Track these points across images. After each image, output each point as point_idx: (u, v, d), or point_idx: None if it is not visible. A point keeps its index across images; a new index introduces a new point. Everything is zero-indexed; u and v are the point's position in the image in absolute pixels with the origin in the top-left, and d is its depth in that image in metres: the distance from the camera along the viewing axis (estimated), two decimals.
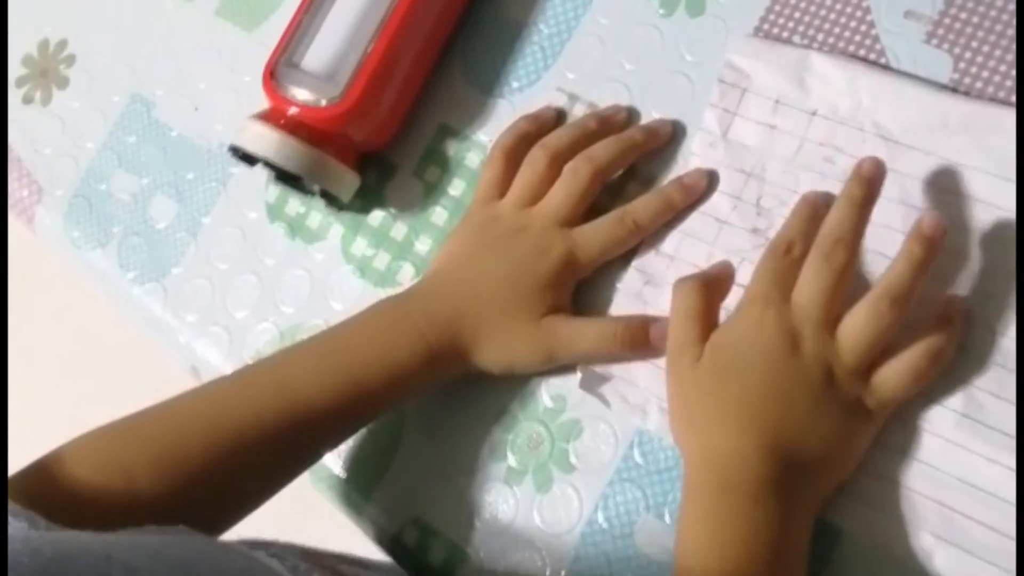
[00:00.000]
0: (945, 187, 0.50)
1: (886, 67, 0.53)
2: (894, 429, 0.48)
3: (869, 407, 0.47)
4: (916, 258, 0.45)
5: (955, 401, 0.47)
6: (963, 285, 0.49)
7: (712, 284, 0.51)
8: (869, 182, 0.48)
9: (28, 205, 0.74)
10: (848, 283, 0.47)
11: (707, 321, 0.49)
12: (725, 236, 0.54)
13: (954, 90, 0.51)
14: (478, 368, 0.55)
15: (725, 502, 0.46)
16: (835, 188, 0.52)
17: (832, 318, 0.47)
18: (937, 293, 0.48)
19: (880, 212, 0.48)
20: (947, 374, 0.47)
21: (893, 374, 0.46)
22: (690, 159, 0.56)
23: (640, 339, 0.53)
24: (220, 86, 0.71)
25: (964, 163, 0.50)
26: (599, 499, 0.53)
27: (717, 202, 0.55)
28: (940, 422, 0.47)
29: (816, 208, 0.49)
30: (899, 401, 0.47)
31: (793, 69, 0.54)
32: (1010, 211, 0.49)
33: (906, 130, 0.51)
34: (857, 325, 0.46)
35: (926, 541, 0.46)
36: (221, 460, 0.52)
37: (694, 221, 0.55)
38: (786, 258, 0.48)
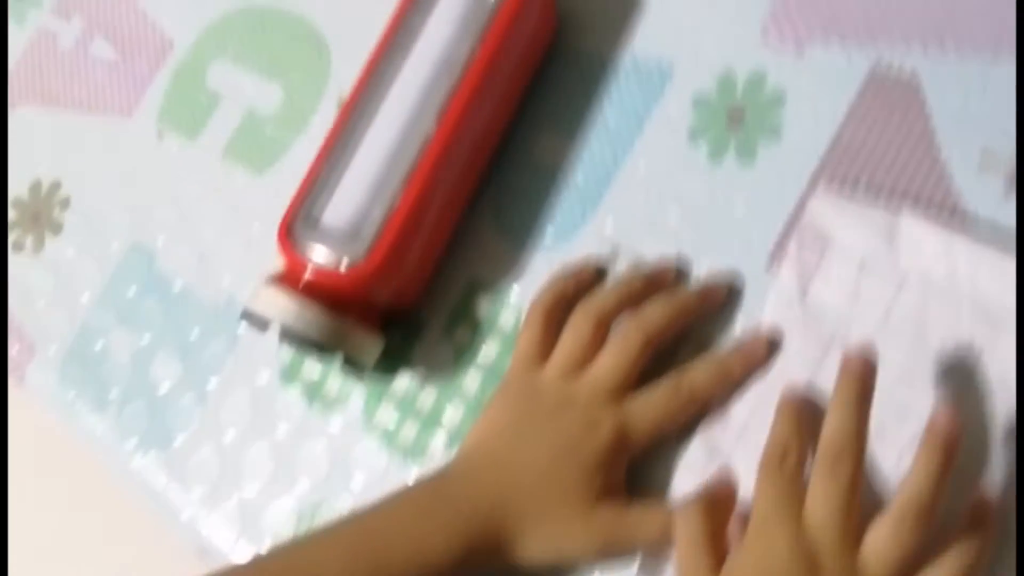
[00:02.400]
0: None
1: (987, 235, 0.48)
2: None
3: None
4: (935, 466, 0.42)
5: None
6: None
7: (715, 504, 0.47)
8: (861, 379, 0.44)
9: (19, 363, 0.69)
10: (859, 489, 0.43)
11: (716, 550, 0.46)
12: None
13: None
14: (519, 563, 0.50)
15: None
16: (927, 366, 0.47)
17: (852, 534, 0.43)
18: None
19: (982, 400, 0.42)
20: None
21: None
22: (763, 319, 0.51)
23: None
24: (228, 234, 0.66)
25: None
26: None
27: (793, 371, 0.49)
28: None
29: (799, 407, 0.46)
30: None
31: (880, 228, 0.49)
32: None
33: (1009, 308, 0.46)
34: (883, 549, 0.42)
35: None
36: None
37: (768, 389, 0.50)
38: (783, 469, 0.44)
